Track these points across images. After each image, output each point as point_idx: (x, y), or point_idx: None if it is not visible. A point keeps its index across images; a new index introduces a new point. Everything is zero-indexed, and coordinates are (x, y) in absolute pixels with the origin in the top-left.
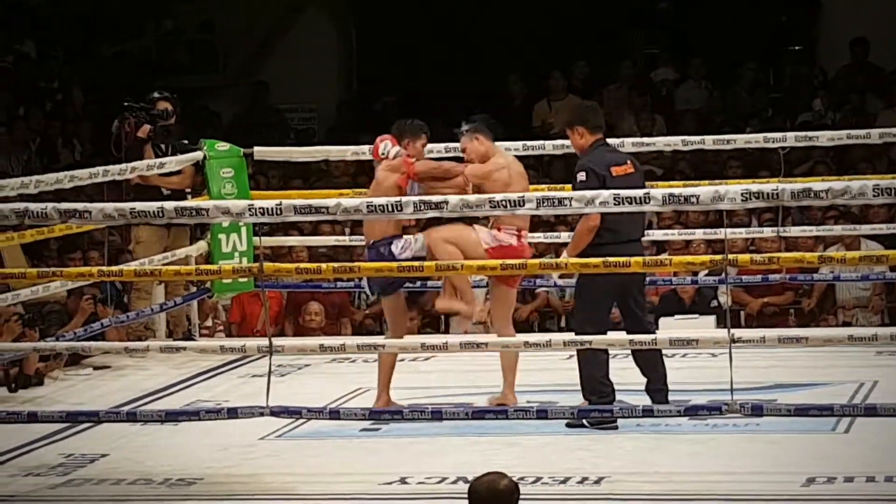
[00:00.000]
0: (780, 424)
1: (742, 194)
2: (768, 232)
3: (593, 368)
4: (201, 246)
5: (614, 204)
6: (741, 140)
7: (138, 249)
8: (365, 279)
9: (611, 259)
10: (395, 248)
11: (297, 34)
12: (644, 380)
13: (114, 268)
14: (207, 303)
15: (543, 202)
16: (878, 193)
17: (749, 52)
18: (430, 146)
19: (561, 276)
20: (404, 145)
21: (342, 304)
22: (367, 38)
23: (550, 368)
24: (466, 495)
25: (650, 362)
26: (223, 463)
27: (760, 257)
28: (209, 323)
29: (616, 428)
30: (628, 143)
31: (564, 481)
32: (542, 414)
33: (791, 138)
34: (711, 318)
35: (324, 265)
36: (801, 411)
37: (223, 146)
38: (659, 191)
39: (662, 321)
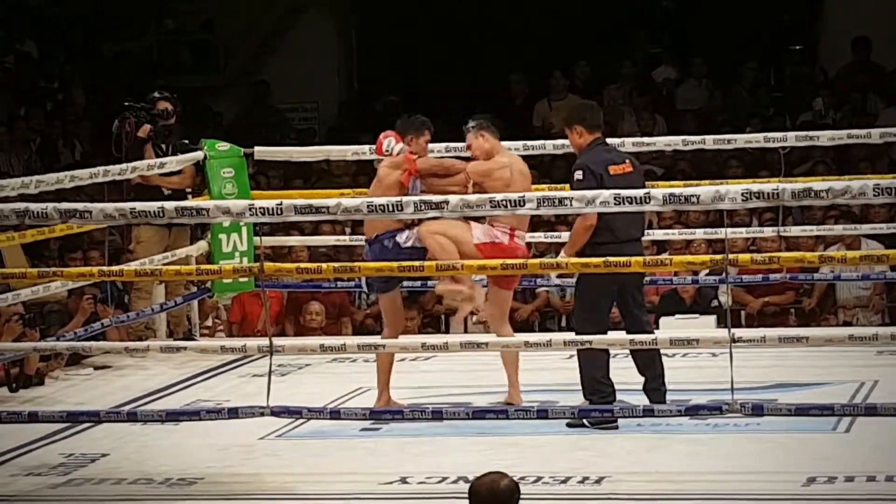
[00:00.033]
0: (781, 424)
1: (743, 194)
2: (769, 231)
3: (594, 368)
4: (202, 246)
5: (615, 204)
6: (742, 140)
7: (139, 249)
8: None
9: (611, 259)
10: (401, 238)
11: (298, 34)
12: (643, 379)
13: (114, 268)
14: (208, 303)
15: (543, 202)
16: (878, 193)
17: (750, 51)
18: (430, 146)
19: (559, 276)
20: (408, 141)
21: (342, 304)
22: (367, 38)
23: (551, 368)
24: (467, 495)
25: (648, 361)
26: (223, 463)
27: (761, 257)
28: (209, 323)
29: (617, 428)
30: (629, 143)
31: (565, 481)
32: (543, 414)
33: (792, 138)
34: (712, 318)
35: (324, 265)
36: (802, 411)
37: (224, 146)
38: (659, 191)
39: (663, 321)
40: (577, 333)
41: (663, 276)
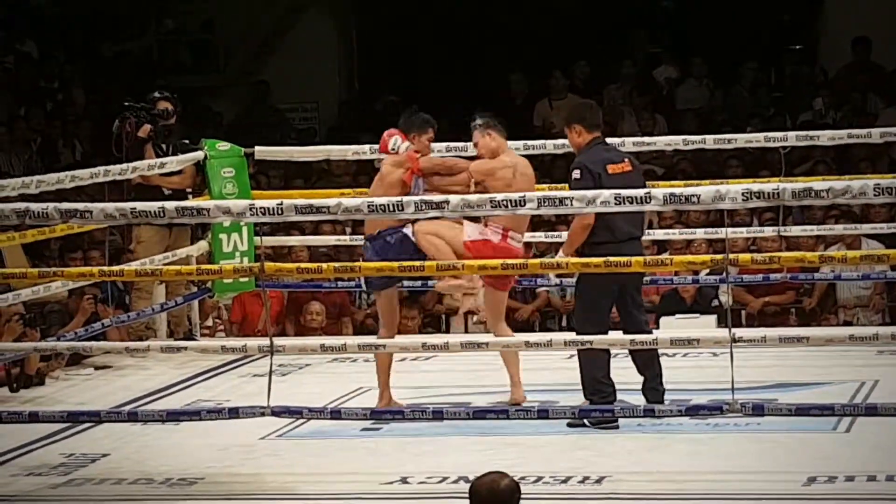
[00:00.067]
0: (781, 424)
1: (743, 194)
2: (769, 231)
3: (594, 368)
4: (202, 246)
5: (615, 203)
6: (742, 139)
7: (139, 249)
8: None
9: (611, 259)
10: (408, 230)
11: (298, 34)
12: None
13: (115, 268)
14: (208, 302)
15: (544, 202)
16: (878, 193)
17: (750, 51)
18: (431, 145)
19: (558, 276)
20: (411, 139)
21: (343, 304)
22: (367, 38)
23: (551, 368)
24: (467, 495)
25: (648, 362)
26: (224, 463)
27: (761, 257)
28: (210, 323)
29: (617, 427)
30: (629, 143)
31: (565, 481)
32: (543, 414)
33: (792, 138)
34: (712, 318)
35: (325, 265)
36: (802, 411)
37: (224, 146)
38: (660, 190)
39: (663, 320)
40: (577, 333)
41: (664, 276)
